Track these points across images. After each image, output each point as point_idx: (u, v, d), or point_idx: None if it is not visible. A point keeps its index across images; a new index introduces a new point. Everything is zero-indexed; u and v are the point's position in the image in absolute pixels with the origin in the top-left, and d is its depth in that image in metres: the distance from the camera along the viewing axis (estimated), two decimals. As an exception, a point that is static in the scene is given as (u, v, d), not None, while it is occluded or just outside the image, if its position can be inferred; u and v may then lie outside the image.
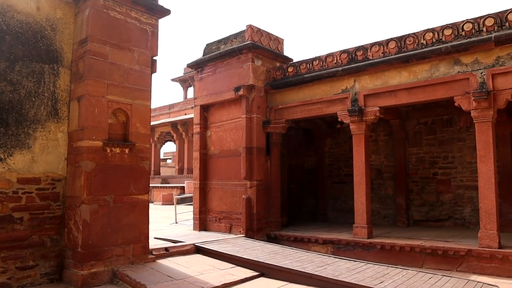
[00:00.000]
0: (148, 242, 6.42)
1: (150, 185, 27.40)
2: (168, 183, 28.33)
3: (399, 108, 8.89)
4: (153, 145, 33.97)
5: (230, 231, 9.09)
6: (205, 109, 9.96)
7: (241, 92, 8.86)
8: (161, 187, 25.04)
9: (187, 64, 10.51)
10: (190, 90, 41.11)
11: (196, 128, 9.95)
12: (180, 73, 42.42)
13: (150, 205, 20.42)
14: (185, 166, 31.87)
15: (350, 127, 7.93)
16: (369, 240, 7.40)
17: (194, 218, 9.79)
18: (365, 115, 7.72)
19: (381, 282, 5.27)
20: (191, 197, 19.48)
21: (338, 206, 10.88)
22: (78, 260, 5.49)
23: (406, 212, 9.48)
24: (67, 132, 6.08)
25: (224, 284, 5.53)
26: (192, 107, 34.40)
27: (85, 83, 5.79)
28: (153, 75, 6.66)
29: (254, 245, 7.51)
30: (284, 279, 5.84)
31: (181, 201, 21.82)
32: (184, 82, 42.03)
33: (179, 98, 43.58)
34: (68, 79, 6.11)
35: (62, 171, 5.99)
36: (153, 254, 6.47)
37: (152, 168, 33.70)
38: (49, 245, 5.70)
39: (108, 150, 5.90)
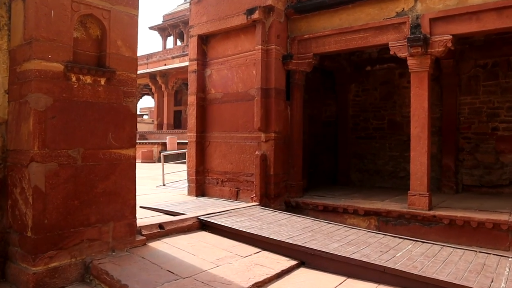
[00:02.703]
0: (135, 218, 4.53)
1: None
2: (146, 139, 26.21)
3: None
4: (129, 97, 31.52)
5: (236, 197, 7.27)
6: (204, 41, 7.83)
7: (255, 16, 6.76)
8: (139, 143, 22.89)
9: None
10: (170, 40, 38.21)
11: (192, 66, 7.85)
12: (159, 20, 39.35)
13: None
14: (165, 121, 29.82)
15: (409, 62, 6.01)
16: (431, 213, 5.70)
17: (189, 180, 7.90)
18: (431, 45, 5.80)
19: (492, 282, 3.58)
20: (174, 155, 17.55)
21: (364, 167, 9.16)
22: (28, 250, 3.57)
23: (455, 175, 7.83)
24: (7, 49, 3.98)
25: (256, 284, 3.73)
26: (172, 57, 32.04)
27: (31, -34, 3.64)
28: None
29: (277, 218, 5.72)
30: (335, 271, 4.12)
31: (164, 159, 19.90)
32: (163, 30, 39.06)
33: (158, 48, 40.59)
34: (5, -38, 3.94)
35: (1, 112, 3.95)
36: (143, 235, 4.61)
37: (128, 123, 31.42)
38: (-20, 224, 3.74)
39: (74, 79, 3.86)
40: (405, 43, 5.97)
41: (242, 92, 7.22)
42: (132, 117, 4.37)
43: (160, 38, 39.75)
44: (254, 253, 4.54)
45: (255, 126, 6.81)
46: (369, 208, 6.21)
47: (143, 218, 5.61)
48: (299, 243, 4.48)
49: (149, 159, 20.15)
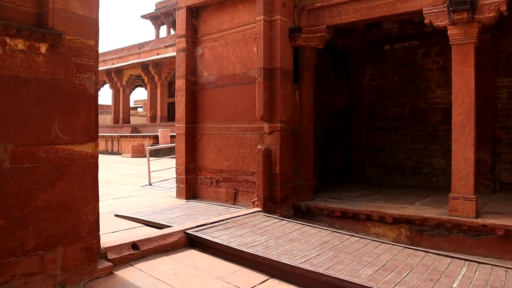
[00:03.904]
0: (97, 238, 3.35)
1: (117, 134, 24.24)
2: (139, 132, 25.01)
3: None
4: (121, 89, 30.42)
5: (234, 200, 6.09)
6: (194, 14, 6.60)
7: (255, -22, 5.54)
8: (130, 136, 21.70)
9: None
10: (163, 29, 36.87)
11: (180, 43, 6.62)
12: (151, 8, 37.93)
13: (118, 158, 17.32)
14: (158, 113, 28.60)
15: (449, 32, 4.81)
16: (480, 221, 4.53)
17: (178, 180, 6.71)
18: (479, 10, 4.60)
19: None
20: (167, 149, 16.32)
21: (382, 162, 7.98)
22: None
23: (491, 171, 6.68)
24: None
25: None
26: (165, 46, 30.68)
27: None
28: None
29: (286, 230, 4.55)
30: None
31: (154, 153, 18.66)
32: (156, 19, 37.75)
33: (151, 38, 39.26)
34: None
35: None
36: (109, 259, 3.43)
37: (121, 116, 30.25)
38: None
39: (-4, 43, 2.66)
40: (445, 9, 4.76)
41: (240, 74, 6.01)
42: (90, 99, 3.17)
43: (153, 27, 38.45)
44: (260, 283, 3.37)
45: (256, 115, 5.61)
46: (398, 214, 5.03)
47: (115, 231, 4.44)
48: (321, 270, 3.31)
49: (140, 153, 18.93)
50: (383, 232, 5.14)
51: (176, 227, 4.31)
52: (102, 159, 18.38)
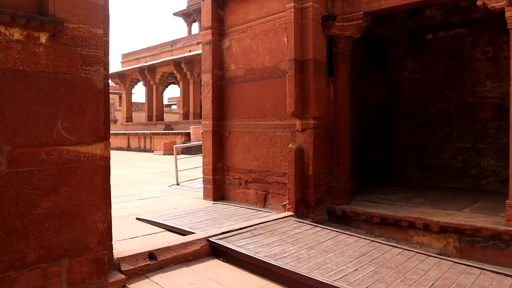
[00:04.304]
0: (109, 246, 3.05)
1: (149, 131, 24.36)
2: (172, 129, 25.04)
3: None
4: (154, 87, 30.63)
5: (264, 203, 5.70)
6: (220, 4, 6.23)
7: (285, -38, 5.11)
8: (162, 133, 21.71)
9: None
10: (195, 26, 36.92)
11: (206, 36, 6.28)
12: (183, 6, 38.05)
13: (149, 155, 17.34)
14: (191, 110, 28.61)
15: (507, 15, 4.20)
16: (546, 233, 3.93)
17: (205, 181, 6.39)
18: (545, -13, 3.98)
19: None
20: (198, 146, 16.15)
21: (424, 162, 7.37)
22: None
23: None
24: None
25: None
26: (197, 43, 30.61)
27: None
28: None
29: (320, 238, 4.11)
30: None
31: (186, 151, 18.55)
32: (188, 16, 37.90)
33: (183, 35, 39.44)
34: None
35: None
36: (123, 271, 3.11)
37: (154, 114, 30.48)
38: None
39: (-9, 32, 2.37)
40: (504, -13, 4.17)
41: (270, 67, 5.60)
42: (97, 95, 2.84)
43: (185, 24, 38.60)
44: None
45: (287, 111, 5.19)
46: (446, 223, 4.48)
47: (134, 237, 4.14)
48: (359, 290, 2.87)
49: (171, 150, 18.80)
50: (428, 242, 4.61)
51: (198, 234, 3.96)
52: (134, 156, 18.48)
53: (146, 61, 32.01)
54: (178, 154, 18.78)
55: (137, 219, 4.89)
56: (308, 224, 4.62)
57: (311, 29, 5.13)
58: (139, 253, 3.34)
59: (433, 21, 7.17)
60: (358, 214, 5.12)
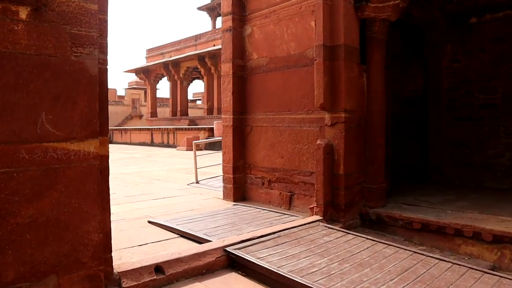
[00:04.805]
0: (108, 259, 2.64)
1: (172, 126, 24.26)
2: (196, 124, 24.81)
3: None
4: (178, 82, 30.49)
5: (289, 204, 5.20)
6: (241, -13, 5.74)
7: None
8: (185, 129, 21.44)
9: None
10: (219, 20, 36.51)
11: (226, 22, 5.80)
12: (207, 0, 37.74)
13: (172, 151, 17.14)
14: (215, 105, 28.38)
15: None
16: None
17: (225, 180, 5.93)
18: None
19: None
20: (221, 142, 15.78)
21: (466, 159, 6.69)
22: None
23: None
24: None
25: None
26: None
27: None
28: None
29: (353, 248, 3.59)
30: None
31: (209, 146, 18.20)
32: (212, 10, 37.66)
33: (207, 29, 39.26)
34: None
35: None
36: (123, 288, 2.68)
37: (178, 109, 30.36)
38: None
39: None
40: None
41: (295, 55, 5.08)
42: (91, 82, 2.40)
43: (209, 18, 38.37)
44: (318, 332, 2.47)
45: (315, 103, 4.66)
46: (501, 232, 3.87)
47: (143, 245, 3.71)
48: (405, 318, 2.34)
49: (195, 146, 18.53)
50: (478, 253, 4.01)
51: (214, 243, 3.49)
52: (156, 152, 18.27)
53: (171, 56, 31.88)
54: (201, 149, 18.53)
55: (149, 222, 4.47)
56: (339, 230, 4.09)
57: (342, 10, 4.57)
58: (144, 266, 2.90)
59: (477, 3, 6.46)
60: (395, 219, 4.55)
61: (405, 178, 6.90)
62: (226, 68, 5.75)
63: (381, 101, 4.97)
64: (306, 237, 3.84)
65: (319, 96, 4.58)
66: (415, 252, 3.52)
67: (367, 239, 3.85)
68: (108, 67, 2.69)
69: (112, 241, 3.72)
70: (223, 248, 3.38)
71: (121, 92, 46.09)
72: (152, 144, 23.66)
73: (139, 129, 26.25)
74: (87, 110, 2.39)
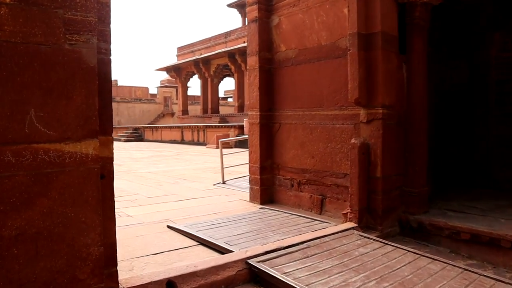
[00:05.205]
0: (112, 274, 2.34)
1: (202, 124, 24.16)
2: (227, 122, 24.64)
3: None
4: (209, 80, 30.40)
5: (321, 209, 4.80)
6: (268, -26, 5.36)
7: None
8: (215, 126, 21.27)
9: None
10: (250, 16, 36.24)
11: (252, 13, 5.46)
12: (238, -4, 37.53)
13: (202, 149, 17.06)
14: (246, 102, 28.03)
15: None
16: None
17: (251, 181, 5.59)
18: None
19: None
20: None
21: (518, 160, 6.07)
22: None
23: None
24: None
25: None
26: (252, 33, 30.03)
27: None
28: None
29: (392, 262, 3.16)
30: None
31: (239, 144, 17.94)
32: (242, 7, 37.40)
33: (237, 26, 39.03)
34: None
35: None
36: (130, 308, 2.37)
37: (209, 106, 30.29)
38: None
39: None
40: None
41: (327, 45, 4.66)
42: (89, 74, 2.10)
43: (239, 15, 38.15)
44: None
45: (349, 98, 4.23)
46: None
47: (159, 253, 3.41)
48: None
49: (224, 144, 18.32)
50: (542, 269, 3.50)
51: (235, 254, 3.15)
52: (186, 150, 18.17)
53: (201, 54, 31.85)
54: (231, 147, 18.28)
55: (168, 227, 4.17)
56: (376, 240, 3.67)
57: (379, -5, 4.12)
58: (155, 281, 2.59)
59: (532, -15, 5.83)
60: (440, 228, 4.06)
61: (447, 181, 6.34)
62: (252, 61, 5.40)
63: (423, 95, 4.48)
64: (339, 248, 3.44)
65: (353, 90, 4.15)
66: (465, 270, 3.06)
67: (409, 251, 3.41)
68: (111, 57, 2.39)
69: (126, 249, 3.46)
70: (245, 261, 3.03)
71: (153, 90, 46.72)
72: (182, 141, 23.66)
73: (170, 127, 26.34)
74: (85, 106, 2.09)
